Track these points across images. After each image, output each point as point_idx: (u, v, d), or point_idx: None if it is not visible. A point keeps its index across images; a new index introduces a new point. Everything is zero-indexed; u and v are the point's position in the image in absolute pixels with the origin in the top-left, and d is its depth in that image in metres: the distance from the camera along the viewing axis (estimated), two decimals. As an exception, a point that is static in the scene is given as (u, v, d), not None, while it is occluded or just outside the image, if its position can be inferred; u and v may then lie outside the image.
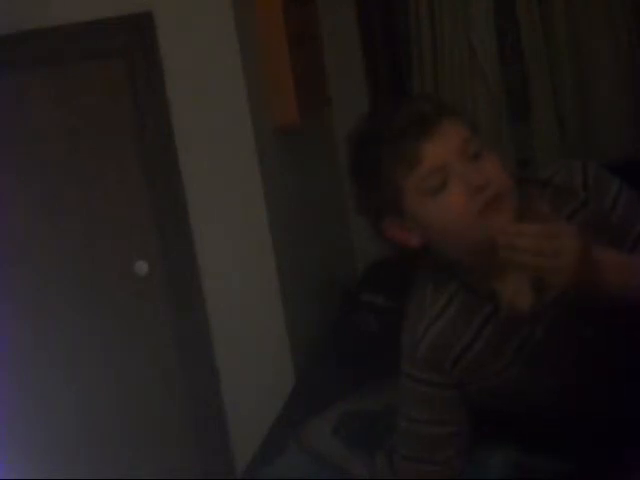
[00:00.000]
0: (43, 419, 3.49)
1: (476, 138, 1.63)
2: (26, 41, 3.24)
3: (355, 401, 2.52)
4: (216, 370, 3.39)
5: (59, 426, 3.49)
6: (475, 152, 1.60)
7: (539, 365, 1.71)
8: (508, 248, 1.50)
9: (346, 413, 2.43)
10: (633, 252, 1.67)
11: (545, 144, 4.03)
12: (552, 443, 1.83)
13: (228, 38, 3.18)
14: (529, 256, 1.48)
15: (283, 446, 2.41)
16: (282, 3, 3.33)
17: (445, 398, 1.74)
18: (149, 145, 3.30)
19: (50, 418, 3.49)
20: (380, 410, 2.35)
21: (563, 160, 1.75)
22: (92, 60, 3.30)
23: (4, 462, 3.45)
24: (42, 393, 3.48)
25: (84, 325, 3.43)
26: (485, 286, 1.68)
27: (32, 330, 3.45)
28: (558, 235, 1.49)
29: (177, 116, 3.25)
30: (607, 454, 1.78)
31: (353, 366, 3.05)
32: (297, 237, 3.58)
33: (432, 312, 1.74)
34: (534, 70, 4.00)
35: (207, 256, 3.32)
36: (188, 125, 3.25)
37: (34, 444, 3.49)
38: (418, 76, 4.06)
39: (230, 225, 3.31)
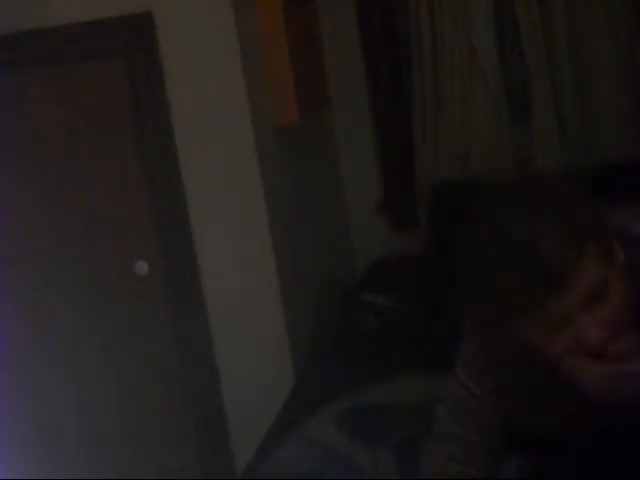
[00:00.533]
0: (43, 419, 3.49)
1: (607, 270, 1.52)
2: (26, 41, 3.24)
3: (355, 396, 2.52)
4: (216, 370, 3.39)
5: (59, 426, 3.49)
6: (602, 289, 1.51)
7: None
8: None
9: (347, 408, 2.43)
10: None
11: (545, 144, 4.03)
12: (563, 449, 1.85)
13: (228, 38, 3.18)
14: None
15: (282, 446, 2.41)
16: (282, 3, 3.33)
17: (494, 412, 1.79)
18: (149, 145, 3.30)
19: (50, 418, 3.49)
20: (381, 405, 2.36)
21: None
22: (92, 60, 3.30)
23: (4, 462, 3.45)
24: (42, 393, 3.48)
25: (84, 325, 3.43)
26: None
27: (32, 330, 3.45)
28: None
29: (177, 116, 3.25)
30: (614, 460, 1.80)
31: (353, 366, 3.06)
32: (297, 237, 3.58)
33: None
34: (534, 70, 3.99)
35: (207, 256, 3.32)
36: (188, 125, 3.25)
37: (34, 444, 3.49)
38: (418, 76, 4.06)
39: (230, 225, 3.31)
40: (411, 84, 4.10)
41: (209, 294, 3.35)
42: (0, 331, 3.44)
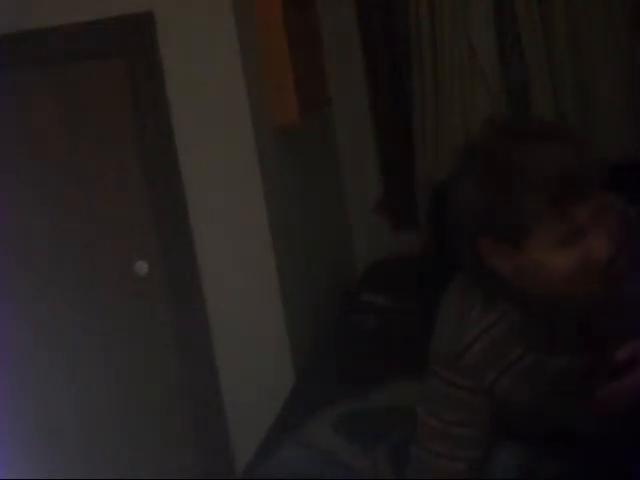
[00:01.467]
0: (43, 419, 3.49)
1: (607, 199, 1.65)
2: (26, 41, 3.24)
3: (355, 401, 2.52)
4: (216, 370, 3.39)
5: (59, 426, 3.49)
6: (605, 210, 1.63)
7: (572, 393, 1.75)
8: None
9: (346, 412, 2.43)
10: None
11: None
12: (558, 446, 1.85)
13: (228, 38, 3.18)
14: None
15: (282, 444, 2.41)
16: (282, 3, 3.33)
17: (479, 403, 1.78)
18: (149, 145, 3.30)
19: (50, 418, 3.49)
20: (380, 409, 2.36)
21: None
22: (92, 60, 3.30)
23: (4, 462, 3.45)
24: (42, 393, 3.48)
25: (84, 325, 3.43)
26: (545, 313, 1.71)
27: (32, 330, 3.45)
28: None
29: (177, 116, 3.25)
30: (609, 458, 1.80)
31: (353, 366, 3.06)
32: (297, 237, 3.58)
33: (483, 323, 1.75)
34: (534, 70, 3.99)
35: (207, 256, 3.32)
36: (188, 125, 3.25)
37: (34, 444, 3.49)
38: (418, 76, 4.06)
39: (230, 225, 3.31)
40: (411, 84, 4.10)
41: (209, 294, 3.35)
42: (0, 331, 3.44)
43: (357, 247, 4.25)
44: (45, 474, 3.40)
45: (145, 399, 3.45)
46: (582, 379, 1.73)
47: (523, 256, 1.64)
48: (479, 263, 1.69)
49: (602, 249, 1.60)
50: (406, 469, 1.89)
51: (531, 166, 1.60)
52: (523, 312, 1.73)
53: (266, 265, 3.30)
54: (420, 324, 2.04)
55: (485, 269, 1.69)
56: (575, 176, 1.59)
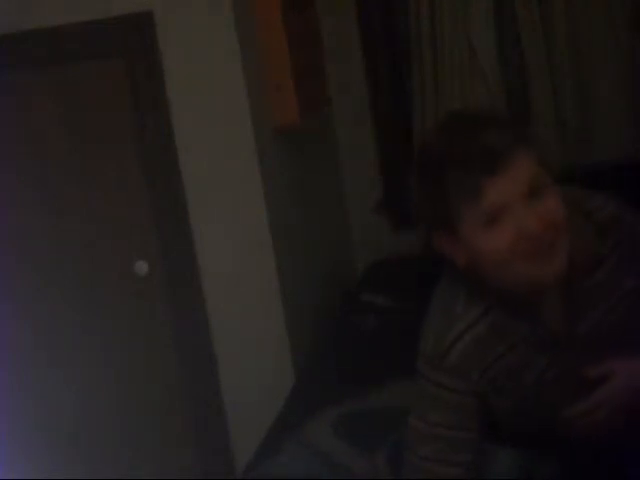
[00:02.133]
0: (43, 419, 3.49)
1: (541, 172, 1.65)
2: (26, 41, 3.24)
3: (355, 401, 2.52)
4: (216, 370, 3.39)
5: (59, 426, 3.49)
6: (538, 188, 1.63)
7: (566, 383, 1.75)
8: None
9: (346, 412, 2.43)
10: None
11: (545, 144, 4.03)
12: (554, 448, 1.85)
13: (228, 38, 3.18)
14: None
15: (282, 446, 2.41)
16: (282, 3, 3.33)
17: (466, 405, 1.77)
18: (149, 145, 3.30)
19: (50, 418, 3.49)
20: (380, 409, 2.36)
21: (584, 190, 1.80)
22: (92, 60, 3.30)
23: (4, 462, 3.45)
24: (42, 393, 3.48)
25: (84, 325, 3.43)
26: (523, 308, 1.72)
27: (32, 330, 3.45)
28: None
29: (177, 116, 3.25)
30: (607, 460, 1.80)
31: (353, 366, 3.05)
32: (297, 237, 3.58)
33: (465, 321, 1.75)
34: (534, 70, 3.99)
35: (207, 256, 3.32)
36: (188, 125, 3.25)
37: (34, 444, 3.49)
38: (418, 76, 4.06)
39: (230, 225, 3.31)
40: (411, 84, 4.10)
41: (209, 294, 3.35)
42: (0, 331, 3.44)
43: (357, 247, 4.25)
44: (45, 474, 3.40)
45: (145, 399, 3.45)
46: (550, 393, 1.74)
47: (463, 243, 1.67)
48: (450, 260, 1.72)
49: (531, 221, 1.59)
50: (401, 472, 1.88)
51: (448, 151, 1.67)
52: (504, 308, 1.73)
53: (266, 265, 3.30)
54: (420, 324, 2.04)
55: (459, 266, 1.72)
56: (489, 153, 1.61)
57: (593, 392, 1.67)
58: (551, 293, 1.71)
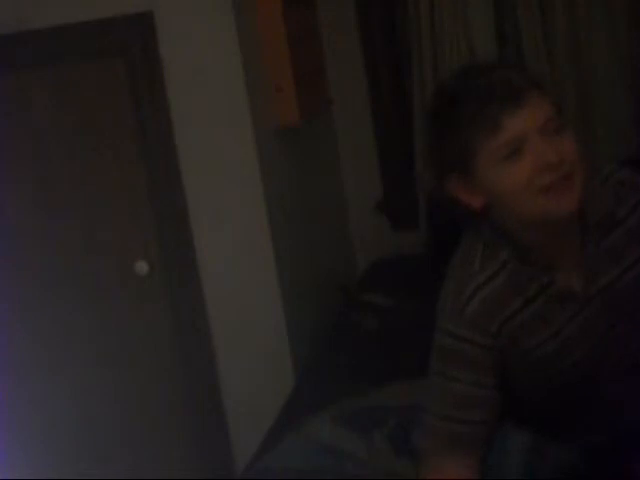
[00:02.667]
0: (43, 419, 3.49)
1: (558, 116, 1.67)
2: (26, 41, 3.24)
3: (354, 401, 2.52)
4: (216, 370, 3.39)
5: (59, 426, 3.49)
6: (555, 129, 1.65)
7: (581, 341, 1.76)
8: None
9: (346, 409, 2.43)
10: None
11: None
12: (566, 430, 1.85)
13: (228, 38, 3.18)
14: None
15: (283, 438, 2.42)
16: (282, 3, 3.33)
17: (485, 360, 1.76)
18: (149, 145, 3.30)
19: (50, 418, 3.49)
20: (380, 408, 2.36)
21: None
22: (92, 60, 3.30)
23: (4, 462, 3.45)
24: (42, 393, 3.48)
25: (84, 325, 3.44)
26: (541, 259, 1.73)
27: (32, 330, 3.45)
28: None
29: (177, 116, 3.25)
30: (617, 444, 1.81)
31: (353, 366, 3.06)
32: (297, 237, 3.58)
33: (483, 274, 1.76)
34: (534, 70, 3.99)
35: (207, 256, 3.32)
36: (188, 125, 3.25)
37: (34, 444, 3.49)
38: (418, 76, 4.06)
39: (230, 225, 3.31)
40: (411, 84, 4.10)
41: (209, 294, 3.35)
42: (0, 331, 3.44)
43: (357, 247, 4.25)
44: (45, 474, 3.40)
45: (145, 399, 3.45)
46: (569, 350, 1.75)
47: (480, 183, 1.68)
48: (465, 210, 1.73)
49: (550, 153, 1.62)
50: (413, 436, 1.87)
51: (466, 87, 1.68)
52: (521, 261, 1.73)
53: (266, 265, 3.30)
54: (420, 324, 2.04)
55: (465, 211, 1.73)
56: (507, 87, 1.63)
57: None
58: (567, 249, 1.73)
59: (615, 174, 1.80)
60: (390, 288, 3.63)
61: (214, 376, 3.39)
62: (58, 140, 3.35)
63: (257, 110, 3.26)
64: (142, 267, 3.36)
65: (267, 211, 3.28)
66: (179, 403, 3.44)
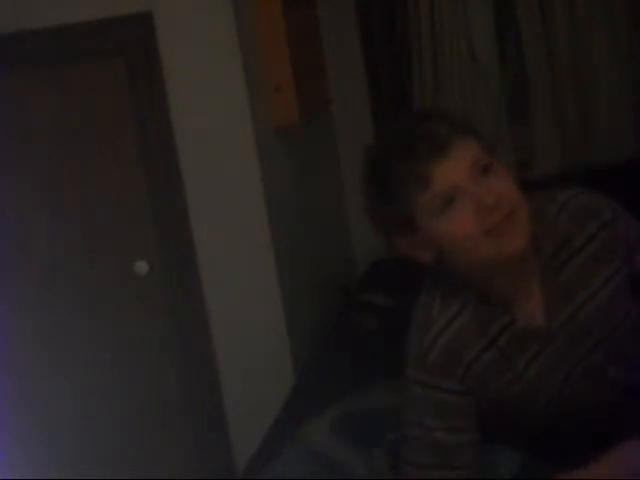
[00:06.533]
0: (43, 419, 3.49)
1: (487, 154, 1.66)
2: (26, 41, 3.24)
3: (354, 401, 2.52)
4: (216, 370, 3.39)
5: (59, 426, 3.49)
6: (486, 168, 1.64)
7: (549, 377, 1.74)
8: None
9: (344, 413, 2.43)
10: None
11: (545, 144, 4.03)
12: (556, 446, 1.84)
13: (228, 38, 3.18)
14: None
15: (282, 446, 2.41)
16: (282, 3, 3.33)
17: (458, 405, 1.75)
18: (149, 145, 3.30)
19: (50, 418, 3.49)
20: (379, 409, 2.35)
21: (576, 188, 1.82)
22: (92, 60, 3.30)
23: (4, 462, 3.45)
24: (42, 393, 3.48)
25: (84, 325, 3.44)
26: (500, 299, 1.72)
27: (32, 330, 3.45)
28: None
29: (177, 116, 3.25)
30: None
31: (353, 366, 3.05)
32: (297, 237, 3.58)
33: (442, 319, 1.75)
34: (534, 70, 3.99)
35: (207, 256, 3.32)
36: (188, 125, 3.25)
37: (34, 444, 3.49)
38: (418, 76, 4.06)
39: (230, 225, 3.31)
40: (411, 84, 4.10)
41: (209, 294, 3.35)
42: (0, 331, 3.44)
43: (357, 247, 4.25)
44: (45, 474, 3.40)
45: (145, 399, 3.45)
46: (535, 387, 1.74)
47: (425, 237, 1.68)
48: (418, 264, 1.74)
49: (484, 195, 1.60)
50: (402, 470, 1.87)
51: (392, 147, 1.69)
52: (479, 302, 1.73)
53: (266, 265, 3.30)
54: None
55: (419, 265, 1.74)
56: (425, 143, 1.63)
57: None
58: (526, 285, 1.71)
59: (573, 200, 1.77)
60: (390, 288, 3.63)
61: (214, 376, 3.39)
62: (58, 140, 3.35)
63: (257, 110, 3.26)
64: (142, 267, 3.36)
65: (267, 211, 3.28)
66: (179, 403, 3.44)
